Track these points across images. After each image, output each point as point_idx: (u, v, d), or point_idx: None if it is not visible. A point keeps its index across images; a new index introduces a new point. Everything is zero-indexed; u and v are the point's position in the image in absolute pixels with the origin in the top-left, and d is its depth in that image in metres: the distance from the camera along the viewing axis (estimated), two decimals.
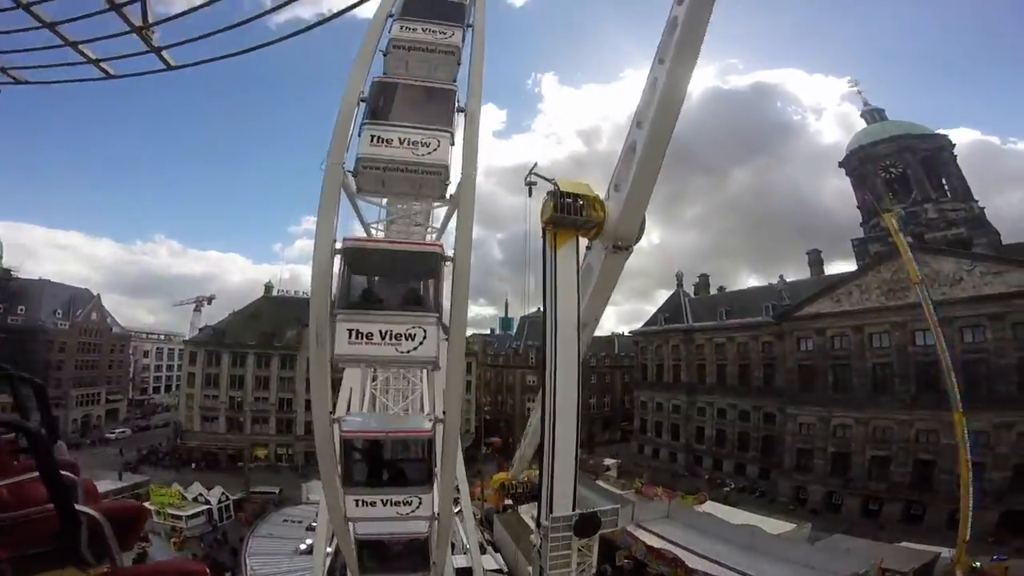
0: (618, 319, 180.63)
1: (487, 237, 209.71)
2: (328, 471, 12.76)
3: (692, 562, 27.48)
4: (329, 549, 21.26)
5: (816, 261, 52.60)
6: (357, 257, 10.31)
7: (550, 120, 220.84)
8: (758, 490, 47.99)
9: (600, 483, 45.52)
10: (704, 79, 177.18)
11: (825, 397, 43.32)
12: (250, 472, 46.90)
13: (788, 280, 53.12)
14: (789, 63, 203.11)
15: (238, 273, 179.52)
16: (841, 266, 53.27)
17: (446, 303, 10.24)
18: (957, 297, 35.16)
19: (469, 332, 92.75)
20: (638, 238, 14.00)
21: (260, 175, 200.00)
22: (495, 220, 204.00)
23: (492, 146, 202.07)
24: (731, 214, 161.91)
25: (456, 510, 23.63)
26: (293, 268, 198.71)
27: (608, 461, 54.50)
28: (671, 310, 62.73)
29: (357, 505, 12.03)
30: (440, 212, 13.38)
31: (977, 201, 40.77)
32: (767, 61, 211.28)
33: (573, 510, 13.88)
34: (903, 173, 43.13)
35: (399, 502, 12.11)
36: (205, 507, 35.88)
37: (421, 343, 10.10)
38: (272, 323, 58.66)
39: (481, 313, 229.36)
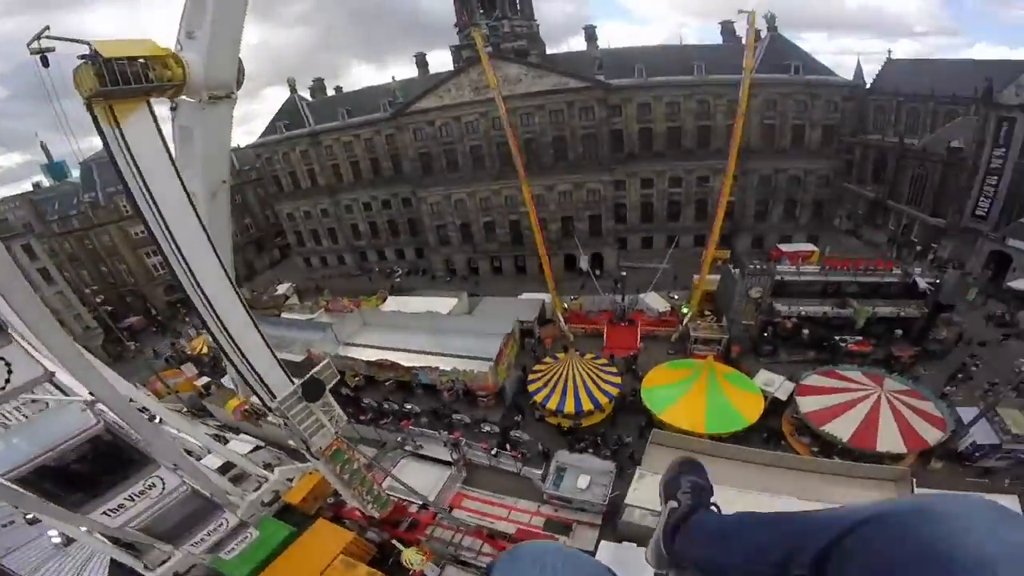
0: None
1: None
2: None
3: (406, 360, 32.98)
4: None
5: (422, 63, 55.81)
6: None
7: None
8: (420, 269, 59.38)
9: (287, 315, 45.87)
10: None
11: (443, 178, 52.57)
12: None
13: (399, 79, 54.82)
14: None
15: None
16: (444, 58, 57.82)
17: None
18: (518, 93, 45.70)
19: None
20: (240, 82, 11.79)
21: None
22: None
23: None
24: (338, 9, 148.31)
25: (156, 420, 22.94)
26: None
27: (282, 288, 54.28)
28: (289, 116, 57.44)
29: None
30: None
31: (536, 20, 49.33)
32: None
33: (292, 383, 13.96)
34: None
35: None
36: None
37: None
38: None
39: None
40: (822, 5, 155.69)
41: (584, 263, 45.98)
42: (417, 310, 39.22)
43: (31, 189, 59.44)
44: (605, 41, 55.65)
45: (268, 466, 25.54)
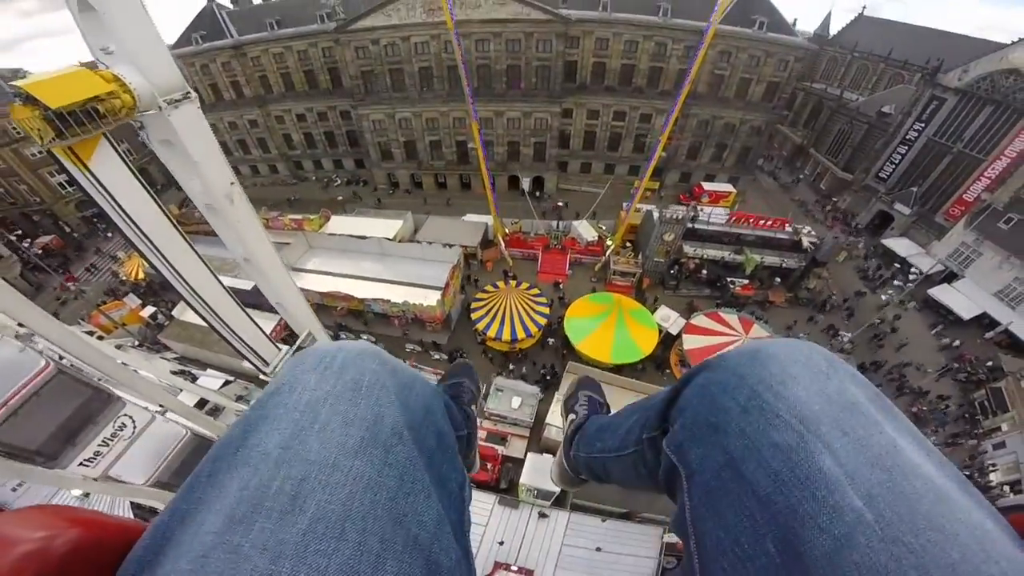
0: None
1: None
2: None
3: (358, 291, 34.43)
4: None
5: None
6: None
7: None
8: (360, 180, 63.51)
9: None
10: None
11: (387, 96, 54.71)
12: None
13: None
14: None
15: None
16: None
17: None
18: (475, 19, 47.62)
19: None
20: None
21: None
22: None
23: None
24: None
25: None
26: None
27: None
28: (205, 27, 55.89)
29: None
30: None
31: None
32: None
33: (279, 348, 15.90)
34: None
35: None
36: None
37: None
38: None
39: None
40: None
41: (526, 185, 50.98)
42: (362, 232, 40.39)
43: None
44: None
45: (240, 399, 27.46)
